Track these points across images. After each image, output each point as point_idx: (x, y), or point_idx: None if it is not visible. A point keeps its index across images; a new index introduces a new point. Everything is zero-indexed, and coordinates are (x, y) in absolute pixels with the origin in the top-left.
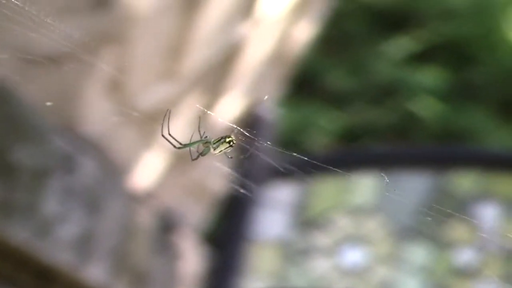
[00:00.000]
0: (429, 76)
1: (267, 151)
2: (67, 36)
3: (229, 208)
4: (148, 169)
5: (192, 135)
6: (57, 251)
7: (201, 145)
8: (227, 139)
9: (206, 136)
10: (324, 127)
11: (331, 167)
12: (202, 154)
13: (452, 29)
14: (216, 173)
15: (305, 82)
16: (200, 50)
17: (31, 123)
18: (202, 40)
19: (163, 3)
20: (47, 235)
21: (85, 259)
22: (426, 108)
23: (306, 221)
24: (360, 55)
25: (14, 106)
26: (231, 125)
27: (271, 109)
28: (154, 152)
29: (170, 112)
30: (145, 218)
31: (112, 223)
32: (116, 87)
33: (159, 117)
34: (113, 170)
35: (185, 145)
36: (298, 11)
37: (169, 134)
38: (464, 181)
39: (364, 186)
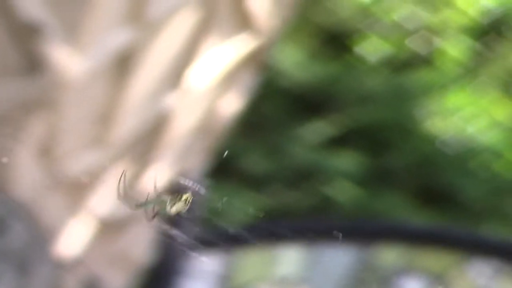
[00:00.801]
0: (345, 161)
1: (192, 221)
2: None
3: (153, 278)
4: (74, 236)
5: (148, 195)
6: None
7: (156, 204)
8: (183, 197)
9: (162, 195)
10: (240, 208)
11: (256, 239)
12: (158, 213)
13: (368, 115)
14: (141, 243)
15: (221, 163)
16: (129, 119)
17: None
18: (131, 108)
19: (94, 71)
20: None
21: None
22: (342, 192)
23: None
24: (277, 138)
25: None
26: (187, 182)
27: (197, 181)
28: (81, 219)
29: (125, 173)
30: (70, 285)
31: (40, 287)
32: (45, 152)
33: (86, 184)
34: (41, 235)
35: (141, 205)
36: (225, 85)
37: (126, 194)
38: (388, 254)
39: (289, 257)
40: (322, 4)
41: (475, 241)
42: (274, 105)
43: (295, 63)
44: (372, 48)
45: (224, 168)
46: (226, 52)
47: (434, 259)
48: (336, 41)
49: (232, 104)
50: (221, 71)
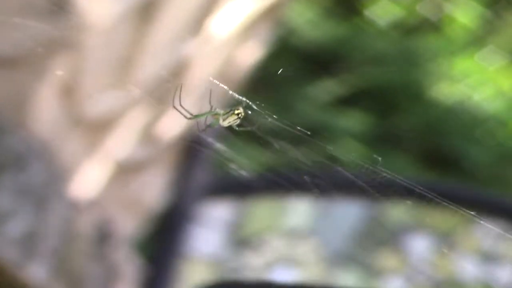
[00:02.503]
0: (353, 120)
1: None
2: (21, 38)
3: (164, 224)
4: (90, 177)
5: (201, 107)
6: (5, 247)
7: (210, 116)
8: (236, 111)
9: (215, 108)
10: (245, 164)
11: (266, 189)
12: (210, 125)
13: (377, 76)
14: (154, 188)
15: None
16: (149, 63)
17: None
18: (152, 53)
19: (118, 15)
20: None
21: (29, 257)
22: (348, 151)
23: (239, 240)
24: (286, 95)
25: None
26: (239, 97)
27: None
28: (98, 160)
29: (181, 85)
30: (84, 225)
31: (55, 225)
32: (67, 93)
33: (105, 126)
34: (59, 174)
35: (195, 116)
36: (243, 36)
37: (180, 105)
38: (397, 211)
39: (299, 209)
40: None
41: (483, 201)
42: (283, 63)
43: (306, 21)
44: (382, 12)
45: None
46: (246, 2)
47: (442, 218)
48: (347, 3)
49: (250, 55)
50: (241, 22)
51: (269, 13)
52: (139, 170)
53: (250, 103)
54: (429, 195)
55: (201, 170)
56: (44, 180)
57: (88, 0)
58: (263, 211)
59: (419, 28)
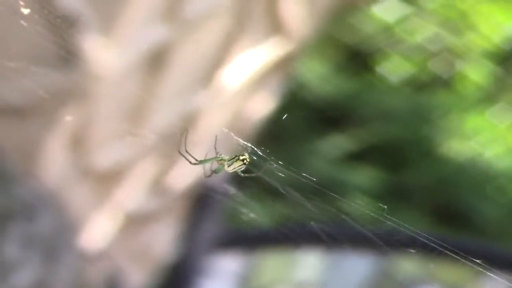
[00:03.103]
0: (363, 176)
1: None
2: (31, 87)
3: (173, 275)
4: (99, 229)
5: (207, 153)
6: None
7: (215, 162)
8: (241, 157)
9: (221, 154)
10: (255, 219)
11: (276, 242)
12: (215, 171)
13: (388, 132)
14: (163, 240)
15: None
16: (159, 115)
17: None
18: (162, 104)
19: (128, 65)
20: (5, 279)
21: None
22: (357, 205)
23: None
24: (296, 150)
25: None
26: (245, 143)
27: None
28: (107, 211)
29: (188, 130)
30: (93, 276)
31: (64, 276)
32: (76, 143)
33: (114, 177)
34: (67, 224)
35: (200, 162)
36: (254, 89)
37: (186, 151)
38: (406, 264)
39: (308, 262)
40: (346, 21)
41: (491, 254)
42: (295, 117)
43: (317, 76)
44: (393, 68)
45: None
46: (257, 55)
47: (451, 271)
48: (358, 59)
49: (260, 108)
50: (251, 74)
51: (280, 67)
52: (149, 221)
53: (256, 149)
54: (435, 245)
55: (210, 222)
56: (53, 230)
57: (98, 50)
58: (272, 264)
59: (430, 84)
